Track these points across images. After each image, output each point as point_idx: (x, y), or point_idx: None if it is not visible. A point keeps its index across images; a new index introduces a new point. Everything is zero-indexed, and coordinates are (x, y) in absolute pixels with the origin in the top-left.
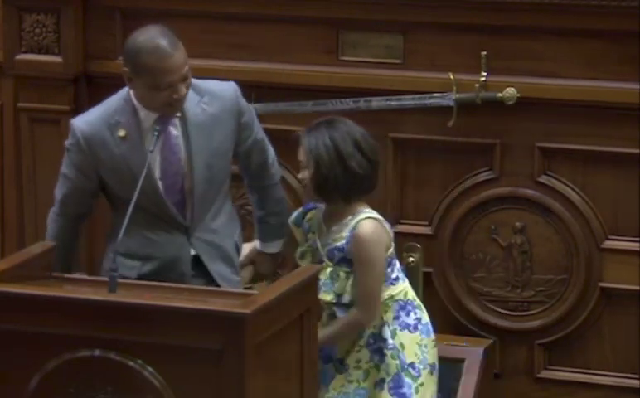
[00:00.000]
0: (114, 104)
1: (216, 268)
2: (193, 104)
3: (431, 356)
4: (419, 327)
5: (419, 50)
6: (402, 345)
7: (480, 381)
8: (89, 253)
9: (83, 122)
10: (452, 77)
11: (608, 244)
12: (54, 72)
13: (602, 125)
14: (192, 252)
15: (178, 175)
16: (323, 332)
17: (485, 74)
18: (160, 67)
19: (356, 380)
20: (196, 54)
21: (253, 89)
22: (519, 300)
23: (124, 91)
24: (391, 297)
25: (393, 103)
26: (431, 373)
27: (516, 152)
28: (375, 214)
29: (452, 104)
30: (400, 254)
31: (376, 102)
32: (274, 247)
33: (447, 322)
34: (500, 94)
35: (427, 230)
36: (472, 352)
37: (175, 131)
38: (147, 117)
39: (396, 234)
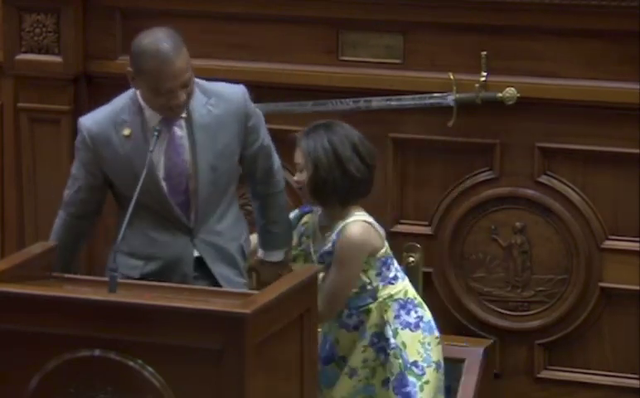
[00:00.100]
0: (121, 103)
1: (219, 270)
2: (200, 105)
3: (435, 353)
4: (421, 325)
5: (419, 51)
6: (404, 344)
7: (480, 381)
8: (89, 253)
9: (89, 120)
10: (452, 77)
11: (608, 244)
12: (54, 72)
13: (602, 125)
14: (195, 253)
15: (182, 176)
16: None
17: (485, 74)
18: (160, 72)
19: (364, 377)
20: (196, 54)
21: (253, 89)
22: (519, 300)
23: (132, 91)
24: (390, 296)
25: (393, 103)
26: (436, 370)
27: (516, 152)
28: (365, 217)
29: (452, 104)
30: (400, 254)
31: (376, 102)
32: (277, 256)
33: (447, 322)
34: (500, 94)
35: (427, 230)
36: (473, 352)
37: (180, 132)
38: (152, 117)
39: (396, 234)
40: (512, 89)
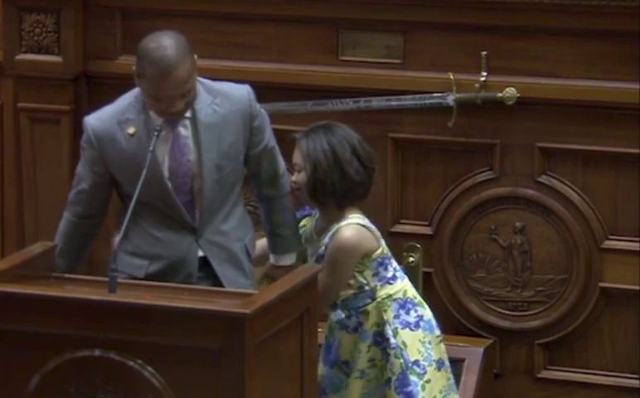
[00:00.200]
0: (126, 102)
1: (223, 270)
2: (205, 104)
3: (436, 352)
4: (421, 324)
5: (419, 50)
6: (404, 343)
7: (480, 381)
8: (89, 253)
9: (94, 119)
10: (452, 77)
11: (608, 244)
12: (54, 72)
13: (602, 125)
14: (200, 253)
15: (187, 176)
16: None
17: (485, 74)
18: (158, 81)
19: (374, 377)
20: (196, 54)
21: (253, 89)
22: (519, 300)
23: (136, 89)
24: (389, 296)
25: (393, 103)
26: (438, 369)
27: (516, 152)
28: (359, 219)
29: (452, 104)
30: (400, 254)
31: (376, 102)
32: (289, 259)
33: (447, 322)
34: (500, 94)
35: (427, 230)
36: (473, 352)
37: (185, 131)
38: (157, 115)
39: (396, 234)
40: (512, 89)
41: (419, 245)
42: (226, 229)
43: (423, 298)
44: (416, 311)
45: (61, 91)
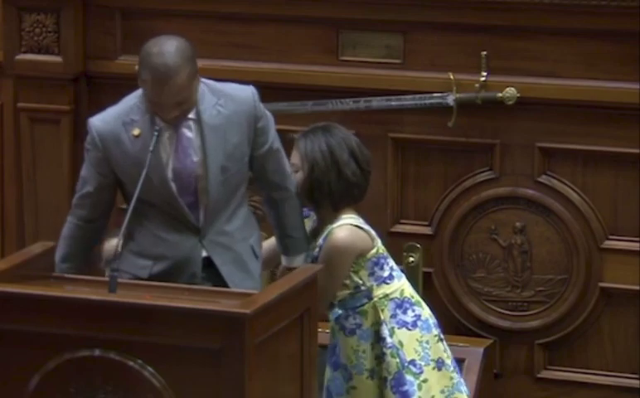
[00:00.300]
0: (131, 103)
1: (228, 271)
2: (209, 105)
3: (434, 351)
4: (419, 323)
5: (419, 50)
6: (401, 343)
7: (480, 381)
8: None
9: (99, 120)
10: (452, 77)
11: (608, 244)
12: (54, 72)
13: (602, 125)
14: (204, 254)
15: (191, 177)
16: None
17: (485, 74)
18: (154, 87)
19: (386, 370)
20: (196, 54)
21: None
22: (519, 300)
23: (140, 90)
24: (386, 295)
25: (393, 103)
26: (438, 369)
27: (516, 152)
28: (352, 220)
29: (452, 103)
30: (400, 254)
31: (376, 102)
32: (301, 260)
33: (447, 322)
34: (500, 94)
35: (427, 230)
36: (473, 352)
37: (189, 133)
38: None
39: (396, 234)
40: (512, 89)
41: (419, 245)
42: (230, 229)
43: (423, 298)
44: (413, 310)
45: (61, 91)
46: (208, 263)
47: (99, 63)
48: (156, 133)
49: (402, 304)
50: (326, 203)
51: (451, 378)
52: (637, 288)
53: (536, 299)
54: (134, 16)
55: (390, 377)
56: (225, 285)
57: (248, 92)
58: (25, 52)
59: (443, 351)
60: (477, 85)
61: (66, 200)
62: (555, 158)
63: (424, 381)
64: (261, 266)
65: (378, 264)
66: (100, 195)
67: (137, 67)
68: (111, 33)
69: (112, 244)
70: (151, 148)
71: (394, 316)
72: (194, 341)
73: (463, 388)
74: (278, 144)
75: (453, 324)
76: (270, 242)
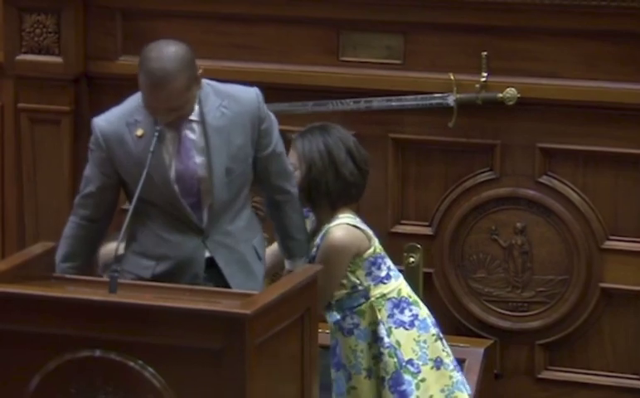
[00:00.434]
0: (134, 103)
1: (231, 272)
2: (213, 107)
3: (432, 350)
4: (416, 323)
5: (420, 51)
6: (398, 342)
7: (481, 382)
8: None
9: (103, 120)
10: (452, 77)
11: (608, 244)
12: (54, 73)
13: (602, 125)
14: (207, 254)
15: (193, 178)
16: None
17: (485, 74)
18: (147, 92)
19: (384, 370)
20: (197, 55)
21: None
22: (519, 301)
23: None
24: (383, 295)
25: (394, 103)
26: (436, 368)
27: (517, 152)
28: (349, 219)
29: (452, 104)
30: (400, 254)
31: (377, 102)
32: (305, 262)
33: (447, 322)
34: (500, 95)
35: (427, 231)
36: (473, 353)
37: (192, 134)
38: None
39: (397, 234)
40: (513, 89)
41: (419, 246)
42: (234, 230)
43: (423, 298)
44: (411, 310)
45: (62, 92)
46: (211, 263)
47: (100, 64)
48: (156, 134)
49: (399, 304)
50: (324, 203)
51: (450, 377)
52: (637, 288)
53: (537, 300)
54: (135, 17)
55: (387, 377)
56: (228, 286)
57: (252, 93)
58: (25, 53)
59: (442, 350)
60: (477, 86)
61: (67, 200)
62: (556, 159)
63: (422, 380)
64: (264, 266)
65: (375, 263)
66: (103, 195)
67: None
68: (112, 34)
69: (109, 248)
70: (151, 149)
71: (391, 315)
72: (195, 341)
73: (464, 387)
74: (281, 148)
75: (453, 325)
76: (273, 249)
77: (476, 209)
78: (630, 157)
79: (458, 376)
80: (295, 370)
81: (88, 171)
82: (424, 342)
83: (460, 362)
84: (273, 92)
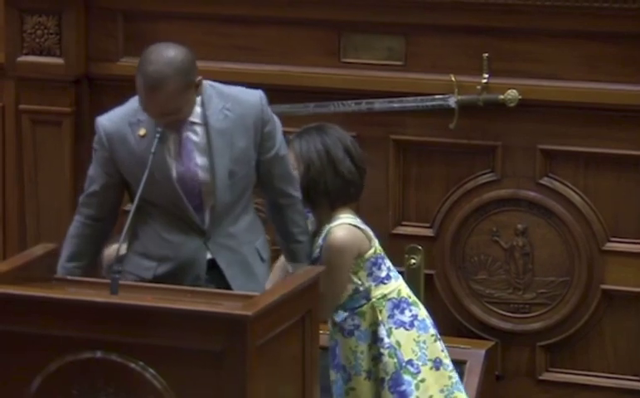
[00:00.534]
0: (137, 103)
1: (232, 273)
2: (216, 110)
3: (431, 351)
4: (416, 323)
5: (421, 53)
6: (398, 343)
7: (482, 383)
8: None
9: (106, 119)
10: (453, 79)
11: (609, 246)
12: (55, 74)
13: (603, 127)
14: (208, 256)
15: (194, 180)
16: None
17: (487, 76)
18: (142, 94)
19: (383, 370)
20: (198, 56)
21: None
22: (520, 302)
23: None
24: (384, 296)
25: (395, 105)
26: (436, 368)
27: (518, 154)
28: (350, 219)
29: (453, 105)
30: (401, 256)
31: (378, 104)
32: (308, 264)
33: (448, 324)
34: (501, 96)
35: (429, 232)
36: (474, 354)
37: (194, 137)
38: None
39: (398, 235)
40: (514, 91)
41: (420, 247)
42: (236, 232)
43: (424, 300)
44: (410, 310)
45: (63, 93)
46: (212, 265)
47: (101, 65)
48: (158, 135)
49: (399, 304)
50: (323, 202)
51: (450, 377)
52: (638, 290)
53: (538, 301)
54: (136, 19)
55: (387, 377)
56: (229, 288)
57: (256, 96)
58: (26, 54)
59: (441, 350)
60: (478, 87)
61: (68, 201)
62: (557, 160)
63: (422, 380)
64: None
65: (376, 264)
66: (107, 194)
67: None
68: (113, 35)
69: (113, 249)
70: (153, 150)
71: (391, 316)
72: (196, 343)
73: (459, 386)
74: (284, 151)
75: (454, 326)
76: (280, 263)
77: (477, 210)
78: (631, 159)
79: (456, 376)
80: (296, 371)
81: (92, 170)
82: (424, 342)
83: (461, 364)
84: (274, 93)
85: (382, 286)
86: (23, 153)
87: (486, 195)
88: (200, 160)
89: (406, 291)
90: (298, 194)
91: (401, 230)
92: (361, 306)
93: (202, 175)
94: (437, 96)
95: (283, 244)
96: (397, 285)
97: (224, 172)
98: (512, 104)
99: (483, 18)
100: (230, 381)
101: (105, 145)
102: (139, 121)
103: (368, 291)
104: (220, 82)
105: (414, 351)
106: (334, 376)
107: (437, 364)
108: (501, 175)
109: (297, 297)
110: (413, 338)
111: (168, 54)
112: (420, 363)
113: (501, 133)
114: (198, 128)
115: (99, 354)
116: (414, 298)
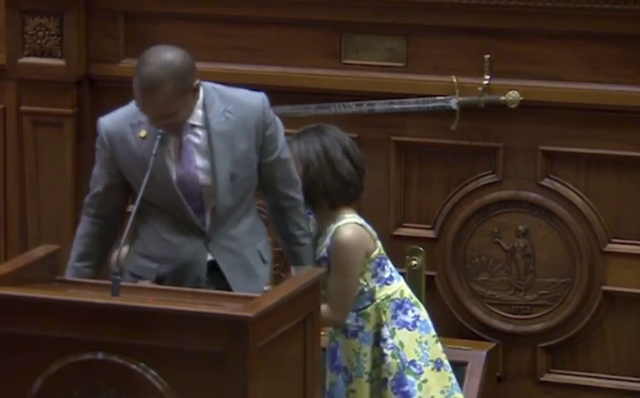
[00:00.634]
0: None
1: (233, 275)
2: (218, 112)
3: (433, 352)
4: (418, 324)
5: (422, 54)
6: (401, 343)
7: (483, 385)
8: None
9: (108, 119)
10: (455, 80)
11: (610, 247)
12: (57, 75)
13: (605, 128)
14: (209, 257)
15: (194, 183)
16: None
17: (488, 77)
18: (137, 96)
19: (377, 378)
20: (199, 57)
21: None
22: (522, 303)
23: None
24: (387, 297)
25: (396, 106)
26: (437, 369)
27: (519, 155)
28: (356, 218)
29: (455, 107)
30: (402, 257)
31: (379, 105)
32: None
33: (450, 325)
34: (503, 98)
35: (430, 234)
36: (475, 356)
37: (195, 139)
38: None
39: (399, 237)
40: (515, 92)
41: (421, 249)
42: (237, 234)
43: (426, 301)
44: (413, 311)
45: (64, 94)
46: (213, 267)
47: (102, 66)
48: (158, 137)
49: (402, 305)
50: (323, 202)
51: (450, 378)
52: (639, 291)
53: (539, 303)
54: (137, 20)
55: (390, 378)
56: (230, 290)
57: (258, 99)
58: (28, 55)
59: (442, 351)
60: (480, 89)
61: (69, 203)
62: (558, 162)
63: (424, 381)
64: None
65: (380, 265)
66: (110, 194)
67: None
68: (114, 36)
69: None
70: (153, 152)
71: (394, 317)
72: (197, 344)
73: (458, 387)
74: (287, 154)
75: (455, 327)
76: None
77: (478, 212)
78: (632, 160)
79: (454, 376)
80: (297, 373)
81: (95, 170)
82: (426, 343)
83: (463, 365)
84: (275, 95)
85: (386, 287)
86: (24, 155)
87: (487, 196)
88: (200, 163)
89: (408, 292)
90: (300, 197)
91: (402, 231)
92: (366, 307)
93: (203, 177)
94: (438, 97)
95: (285, 246)
96: (400, 286)
97: (225, 175)
98: (514, 106)
99: (485, 19)
100: (232, 382)
101: (107, 145)
102: (140, 122)
103: (372, 292)
104: (221, 83)
105: (416, 352)
106: (334, 377)
107: (438, 365)
108: (502, 176)
109: (298, 298)
110: (415, 339)
111: (166, 57)
112: (423, 364)
113: (502, 134)
114: (199, 131)
115: (100, 355)
116: (415, 298)
